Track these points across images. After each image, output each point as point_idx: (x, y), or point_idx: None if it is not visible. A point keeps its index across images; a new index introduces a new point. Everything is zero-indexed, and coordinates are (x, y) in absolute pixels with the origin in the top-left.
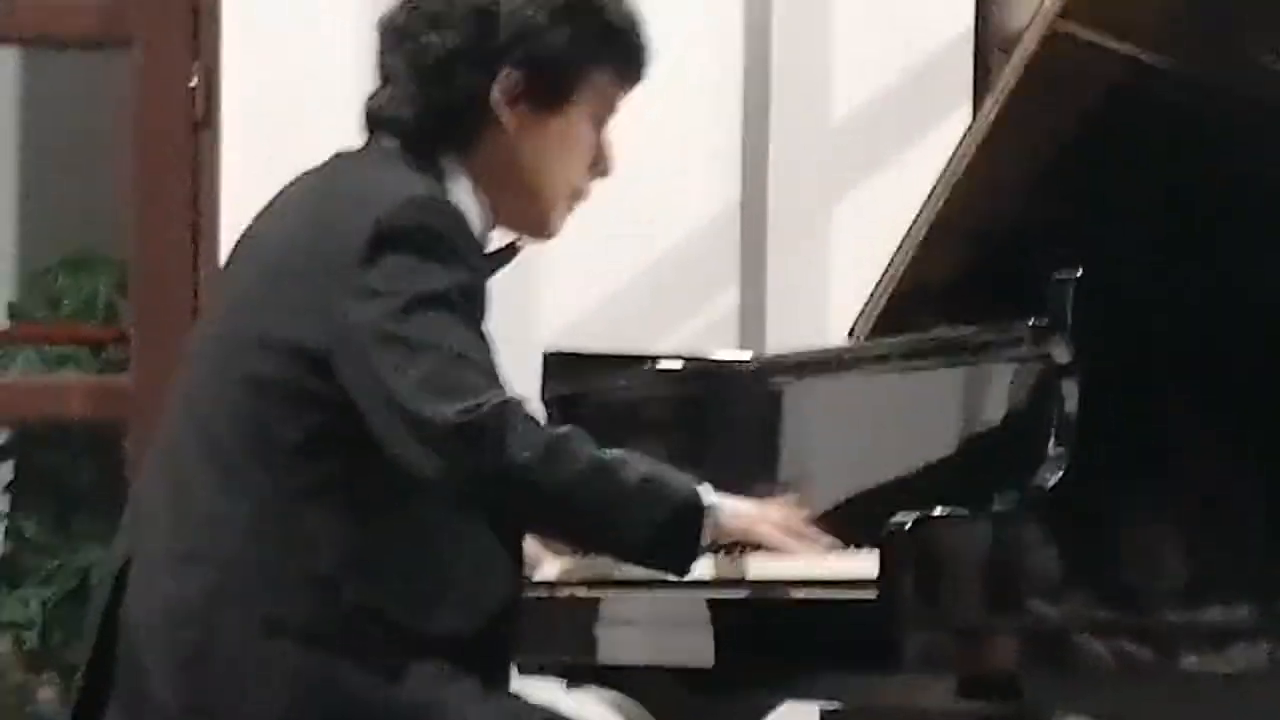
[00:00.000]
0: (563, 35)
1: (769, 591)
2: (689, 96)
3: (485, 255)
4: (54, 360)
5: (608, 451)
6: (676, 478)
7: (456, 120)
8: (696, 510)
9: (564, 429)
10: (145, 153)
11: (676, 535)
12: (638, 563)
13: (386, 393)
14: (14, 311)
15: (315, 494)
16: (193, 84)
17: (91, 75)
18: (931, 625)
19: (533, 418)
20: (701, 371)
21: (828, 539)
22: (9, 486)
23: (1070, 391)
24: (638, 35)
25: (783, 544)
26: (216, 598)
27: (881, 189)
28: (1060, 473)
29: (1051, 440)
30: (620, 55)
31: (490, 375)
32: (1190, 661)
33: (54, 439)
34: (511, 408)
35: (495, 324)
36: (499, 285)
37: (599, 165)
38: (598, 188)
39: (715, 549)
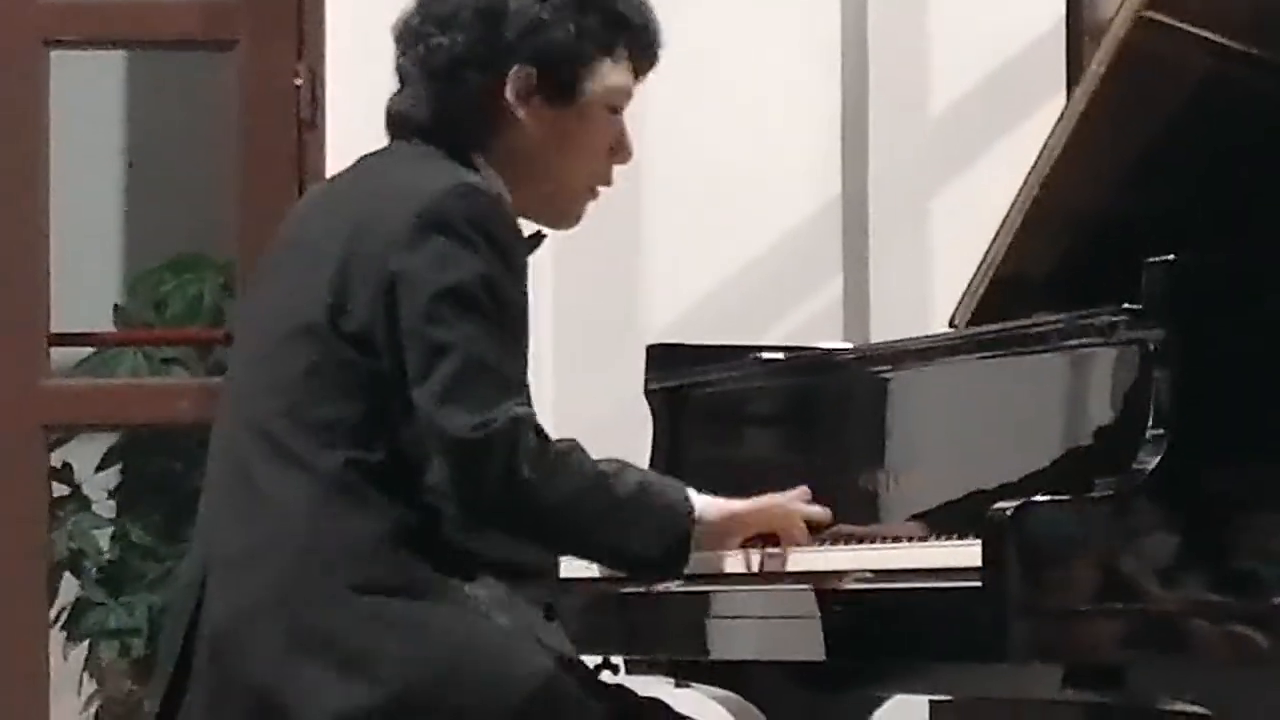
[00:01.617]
0: (571, 29)
1: (875, 582)
2: (789, 92)
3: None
4: (160, 363)
5: (602, 464)
6: (666, 485)
7: (472, 119)
8: (685, 515)
9: (566, 444)
10: (250, 153)
11: (673, 548)
12: (631, 572)
13: (416, 393)
14: (120, 314)
15: (374, 466)
16: (298, 83)
17: (196, 76)
18: (1035, 612)
19: (542, 432)
20: (803, 362)
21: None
22: (115, 491)
23: (1167, 374)
24: (646, 20)
25: (785, 532)
26: (303, 573)
27: (980, 179)
28: (1160, 455)
29: (1150, 424)
30: (631, 42)
31: (506, 383)
32: None
33: (161, 443)
34: (523, 424)
35: (599, 319)
36: (603, 280)
37: (618, 152)
38: (700, 185)
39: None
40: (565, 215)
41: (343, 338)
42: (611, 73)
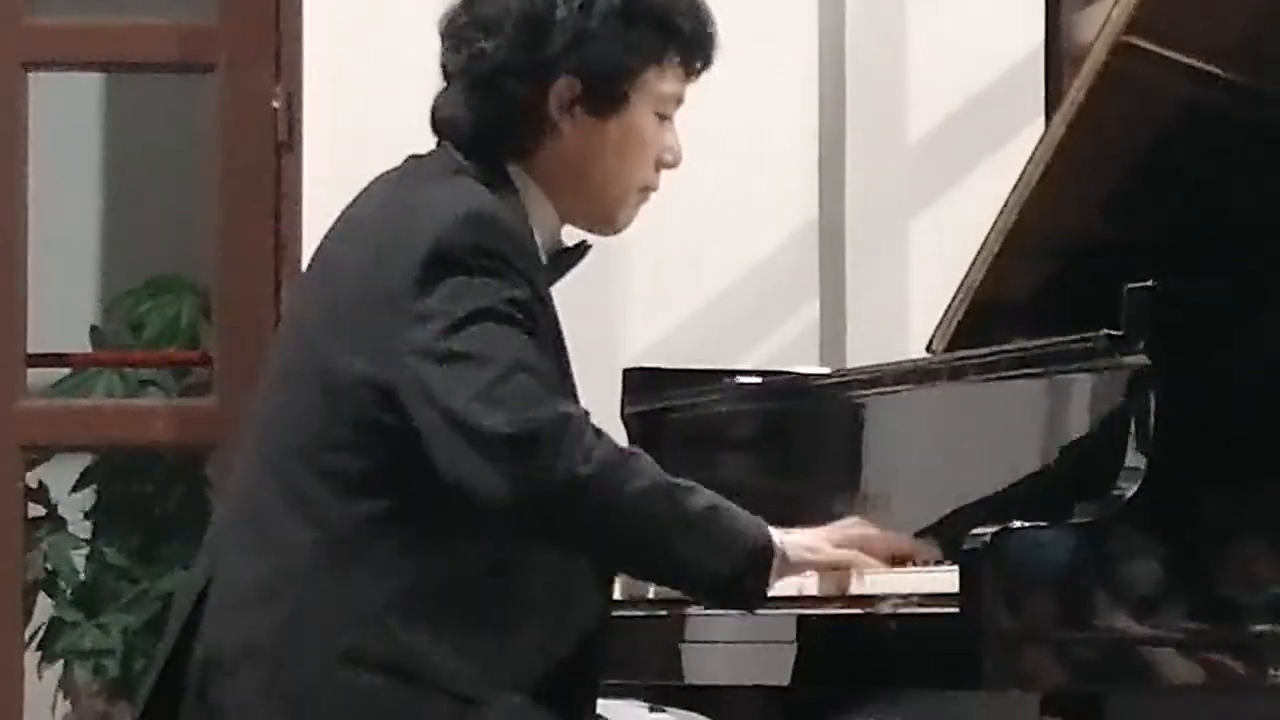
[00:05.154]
0: (617, 40)
1: (851, 607)
2: (766, 115)
3: (555, 257)
4: (136, 384)
5: (675, 478)
6: (743, 514)
7: (512, 128)
8: (767, 548)
9: (631, 448)
10: (228, 175)
11: (748, 573)
12: (705, 598)
13: (442, 409)
14: (96, 336)
15: (386, 521)
16: (276, 106)
17: (174, 99)
18: (1013, 639)
19: (600, 432)
20: (780, 386)
21: (906, 543)
22: (91, 512)
23: (1147, 401)
24: (696, 24)
25: (854, 560)
26: (293, 629)
27: (958, 203)
28: (1139, 482)
29: (1130, 450)
30: (681, 47)
31: (549, 384)
32: None
33: (136, 464)
34: (575, 420)
35: (576, 342)
36: (580, 303)
37: (665, 158)
38: (678, 209)
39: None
40: (611, 221)
41: (357, 383)
42: (659, 81)
